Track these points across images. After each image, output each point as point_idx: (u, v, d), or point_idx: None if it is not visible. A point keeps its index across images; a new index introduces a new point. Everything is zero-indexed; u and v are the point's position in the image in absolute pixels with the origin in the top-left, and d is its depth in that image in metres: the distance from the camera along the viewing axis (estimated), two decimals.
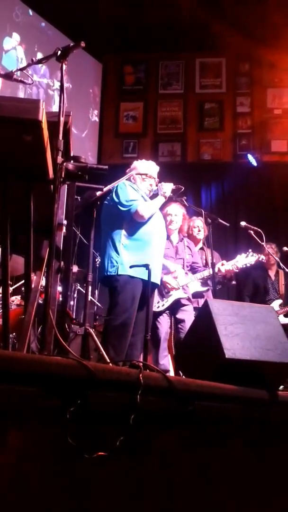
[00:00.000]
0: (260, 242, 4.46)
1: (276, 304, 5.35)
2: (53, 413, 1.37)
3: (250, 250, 4.56)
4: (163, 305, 4.26)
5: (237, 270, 4.53)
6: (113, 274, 3.50)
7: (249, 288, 5.73)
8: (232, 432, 1.96)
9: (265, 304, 5.27)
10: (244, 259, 4.48)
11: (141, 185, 3.81)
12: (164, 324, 4.27)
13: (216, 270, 4.33)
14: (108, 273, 3.53)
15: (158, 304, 4.24)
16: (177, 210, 4.49)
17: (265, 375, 2.24)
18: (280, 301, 5.39)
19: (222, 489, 1.85)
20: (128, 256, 3.51)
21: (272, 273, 5.70)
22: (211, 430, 1.87)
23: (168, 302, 4.26)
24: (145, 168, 3.89)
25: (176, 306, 4.30)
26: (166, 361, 4.21)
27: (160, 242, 3.77)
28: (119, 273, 3.48)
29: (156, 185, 3.82)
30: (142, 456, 1.60)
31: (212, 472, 1.84)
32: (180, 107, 7.95)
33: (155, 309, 4.20)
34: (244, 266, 4.50)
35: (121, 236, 3.57)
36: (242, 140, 7.73)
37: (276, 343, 2.33)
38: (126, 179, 3.73)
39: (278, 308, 5.21)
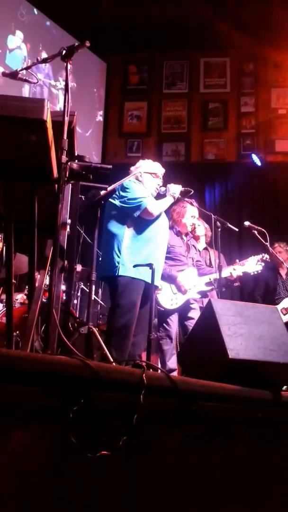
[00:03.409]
0: (264, 242, 4.44)
1: (286, 301, 5.33)
2: (56, 412, 1.38)
3: (259, 260, 4.55)
4: (176, 303, 4.26)
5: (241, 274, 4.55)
6: (114, 275, 3.46)
7: (260, 288, 5.72)
8: (235, 433, 1.96)
9: (274, 303, 5.28)
10: (254, 267, 4.49)
11: (150, 183, 3.79)
12: (175, 323, 4.28)
13: (228, 274, 4.37)
14: (109, 274, 3.49)
15: (172, 301, 4.25)
16: (196, 212, 4.54)
17: (269, 376, 2.24)
18: None
19: (226, 489, 1.85)
20: (130, 257, 3.47)
21: (283, 272, 5.69)
22: (214, 431, 1.87)
23: (181, 300, 4.26)
24: (154, 168, 3.88)
25: (185, 306, 4.31)
26: (174, 360, 4.22)
27: (163, 243, 3.75)
28: (120, 274, 3.44)
29: (164, 186, 3.82)
30: (145, 456, 1.60)
31: (215, 472, 1.83)
32: (184, 107, 7.95)
33: (168, 306, 4.21)
34: (254, 273, 4.52)
35: (124, 236, 3.53)
36: (246, 140, 7.72)
37: (280, 343, 2.32)
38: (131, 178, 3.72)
39: (287, 306, 5.21)
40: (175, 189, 3.75)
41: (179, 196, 3.80)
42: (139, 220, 3.58)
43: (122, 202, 3.58)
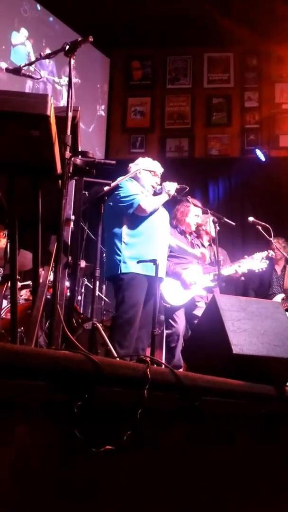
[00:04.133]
0: (268, 237, 4.44)
1: (278, 298, 5.34)
2: (61, 407, 1.38)
3: (263, 257, 4.55)
4: (181, 299, 4.26)
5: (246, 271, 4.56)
6: (117, 273, 3.52)
7: (254, 282, 5.72)
8: (239, 428, 1.96)
9: (267, 298, 5.27)
10: (259, 264, 4.50)
11: (147, 180, 3.82)
12: (182, 320, 4.29)
13: (233, 272, 4.38)
14: (113, 273, 3.56)
15: (177, 298, 4.25)
16: (200, 212, 4.55)
17: (272, 371, 2.24)
18: (282, 295, 5.38)
19: (228, 484, 1.85)
20: (130, 254, 3.52)
21: (278, 268, 5.69)
22: (218, 426, 1.87)
23: (187, 297, 4.27)
24: (153, 166, 3.91)
25: (191, 304, 4.32)
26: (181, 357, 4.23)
27: (164, 238, 3.77)
28: (122, 271, 3.50)
29: (160, 184, 3.84)
30: (149, 451, 1.61)
31: (218, 468, 1.84)
32: (188, 102, 7.92)
33: (173, 302, 4.22)
34: (259, 270, 4.53)
35: (122, 234, 3.58)
36: (250, 135, 7.70)
37: (283, 339, 2.32)
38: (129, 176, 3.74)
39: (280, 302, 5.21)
40: (170, 186, 3.78)
41: (175, 194, 3.82)
42: (135, 217, 3.62)
43: (116, 201, 3.61)
